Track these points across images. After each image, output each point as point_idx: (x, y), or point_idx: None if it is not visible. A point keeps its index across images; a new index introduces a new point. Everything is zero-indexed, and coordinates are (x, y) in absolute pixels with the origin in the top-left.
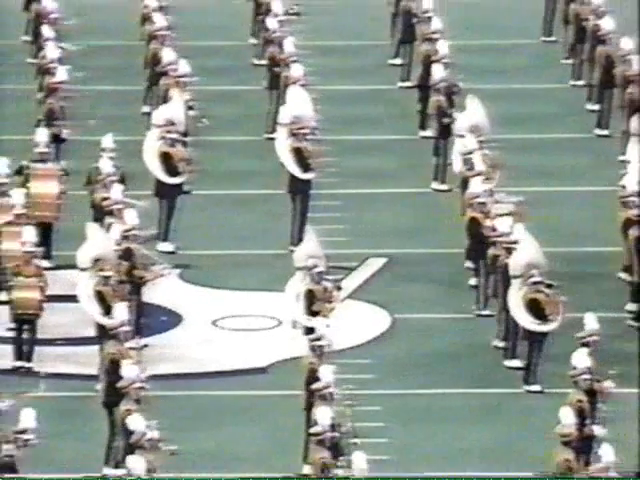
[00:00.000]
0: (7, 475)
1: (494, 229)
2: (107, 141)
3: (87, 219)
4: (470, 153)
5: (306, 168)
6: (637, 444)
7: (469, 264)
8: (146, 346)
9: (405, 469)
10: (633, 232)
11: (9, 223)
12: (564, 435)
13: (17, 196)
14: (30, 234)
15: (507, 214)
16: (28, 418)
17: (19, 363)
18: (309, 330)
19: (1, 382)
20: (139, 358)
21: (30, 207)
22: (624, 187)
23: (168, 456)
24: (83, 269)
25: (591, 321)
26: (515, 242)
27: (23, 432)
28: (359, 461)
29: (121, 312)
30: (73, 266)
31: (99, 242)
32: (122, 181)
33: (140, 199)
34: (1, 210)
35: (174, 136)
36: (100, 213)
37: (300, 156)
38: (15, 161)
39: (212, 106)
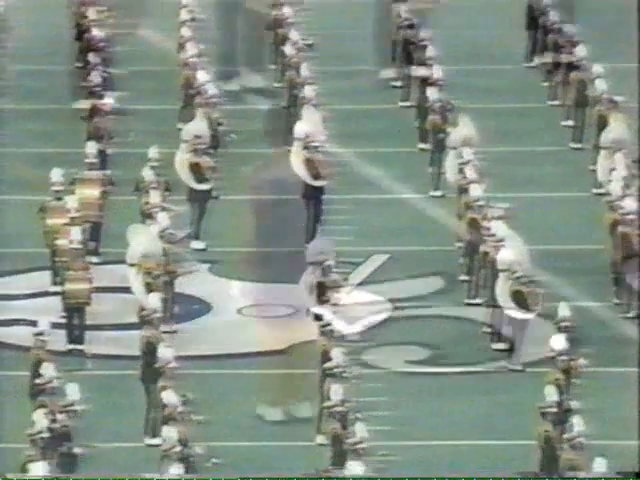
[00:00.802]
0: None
1: (487, 229)
2: (152, 152)
3: (132, 221)
4: (465, 164)
5: (317, 176)
6: (610, 415)
7: (463, 260)
8: (176, 332)
9: (405, 438)
10: (621, 229)
11: (65, 224)
12: (544, 409)
13: (72, 201)
14: (76, 233)
15: (498, 217)
16: (73, 391)
17: (72, 346)
18: (319, 317)
19: (57, 362)
20: (171, 341)
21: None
22: (610, 193)
23: (197, 426)
24: (132, 264)
25: (564, 309)
26: (502, 240)
27: (71, 404)
28: (360, 431)
29: (154, 301)
30: (118, 262)
31: (146, 241)
32: (167, 188)
33: (176, 204)
34: (57, 212)
35: (201, 147)
36: (143, 216)
37: (312, 166)
38: (68, 171)
39: (239, 122)
